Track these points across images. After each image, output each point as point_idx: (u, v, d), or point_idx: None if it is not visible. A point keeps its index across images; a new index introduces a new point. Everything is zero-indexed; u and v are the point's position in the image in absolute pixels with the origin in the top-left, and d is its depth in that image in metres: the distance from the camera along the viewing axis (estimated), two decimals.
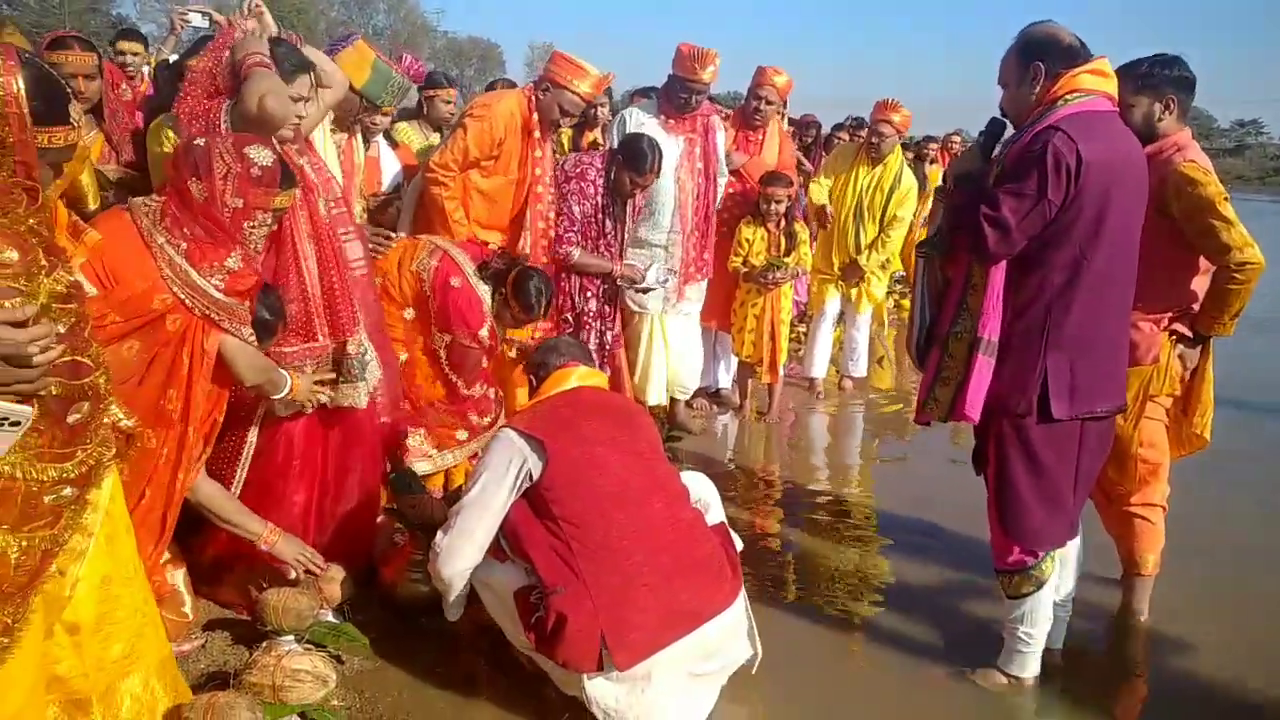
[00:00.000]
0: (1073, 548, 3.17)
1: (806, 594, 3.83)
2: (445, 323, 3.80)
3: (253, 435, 3.15)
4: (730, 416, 6.28)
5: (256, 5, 3.09)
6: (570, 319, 4.89)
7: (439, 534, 2.89)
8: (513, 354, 4.27)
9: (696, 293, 5.58)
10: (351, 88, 3.65)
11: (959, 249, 2.91)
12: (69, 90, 1.98)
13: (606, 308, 5.01)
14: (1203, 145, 3.42)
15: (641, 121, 5.20)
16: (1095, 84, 2.76)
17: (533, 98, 4.50)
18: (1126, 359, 3.02)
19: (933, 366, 2.95)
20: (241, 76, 2.86)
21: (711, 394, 6.46)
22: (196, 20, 3.98)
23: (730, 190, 5.80)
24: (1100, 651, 3.51)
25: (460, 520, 2.83)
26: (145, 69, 5.53)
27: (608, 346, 5.06)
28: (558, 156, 4.95)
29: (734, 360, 6.27)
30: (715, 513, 3.16)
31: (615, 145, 5.03)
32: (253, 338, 2.79)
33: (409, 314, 3.85)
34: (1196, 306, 3.34)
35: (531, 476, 2.77)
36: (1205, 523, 4.31)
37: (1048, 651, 3.14)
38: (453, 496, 3.77)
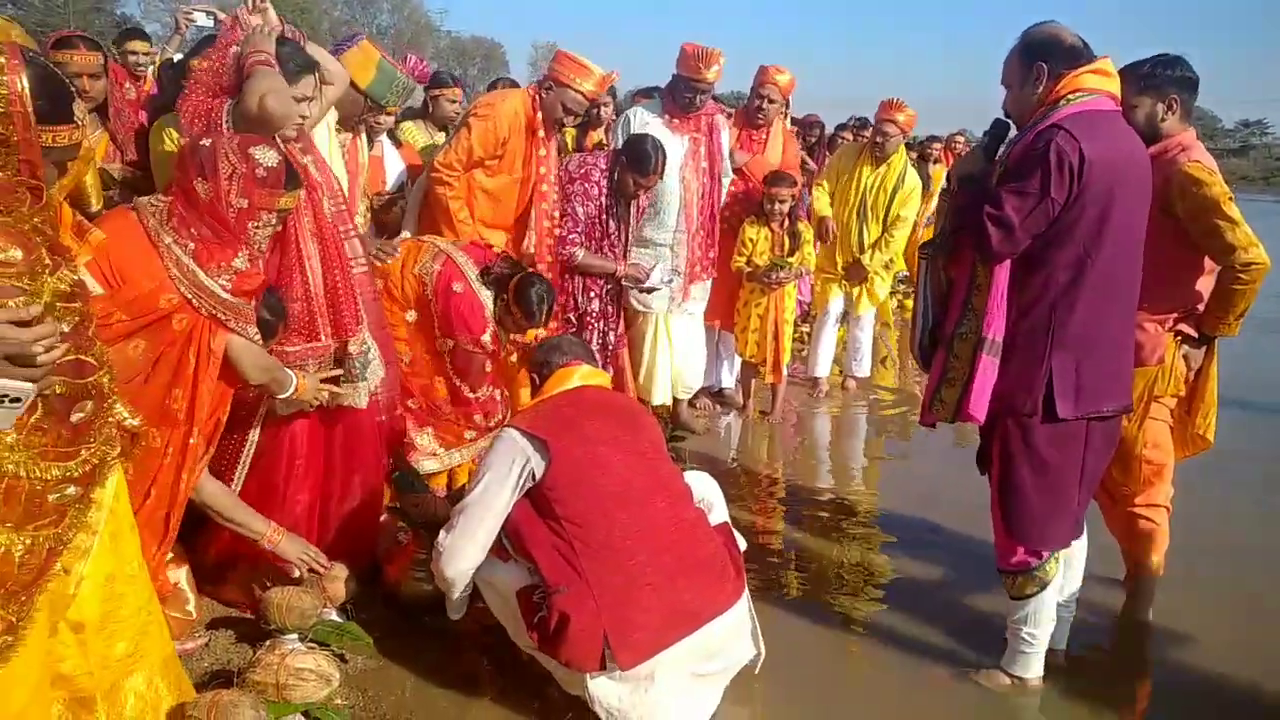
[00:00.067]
0: (1078, 548, 3.16)
1: (809, 594, 3.82)
2: (448, 328, 3.80)
3: (254, 435, 3.15)
4: (733, 416, 6.28)
5: (261, 1, 3.09)
6: (573, 319, 4.89)
7: (442, 533, 2.89)
8: (513, 359, 4.27)
9: (701, 292, 5.58)
10: (356, 88, 3.66)
11: (963, 249, 2.91)
12: (73, 89, 1.98)
13: (609, 308, 5.02)
14: (1207, 145, 3.42)
15: (646, 121, 5.20)
16: (1098, 84, 2.76)
17: (536, 97, 4.50)
18: (1132, 359, 3.02)
19: (938, 368, 2.95)
20: (245, 75, 2.86)
21: (714, 394, 6.46)
22: (201, 19, 3.99)
23: (734, 190, 5.81)
24: (1104, 652, 3.50)
25: (463, 520, 2.83)
26: (149, 68, 5.53)
27: (611, 347, 5.07)
28: (562, 156, 4.95)
29: (737, 360, 6.27)
30: (719, 513, 3.16)
31: (619, 146, 5.04)
32: (258, 337, 2.80)
33: (411, 316, 3.85)
34: (1201, 307, 3.34)
35: (534, 476, 2.77)
36: (1209, 523, 4.30)
37: (1051, 652, 3.13)
38: (456, 495, 3.78)
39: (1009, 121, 2.98)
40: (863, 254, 6.44)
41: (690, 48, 5.06)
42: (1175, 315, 3.35)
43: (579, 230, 4.78)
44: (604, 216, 4.83)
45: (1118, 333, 2.87)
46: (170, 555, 2.99)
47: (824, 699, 3.11)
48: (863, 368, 7.05)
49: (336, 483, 3.39)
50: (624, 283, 5.00)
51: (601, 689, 2.67)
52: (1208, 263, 3.29)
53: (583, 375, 3.06)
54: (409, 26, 53.15)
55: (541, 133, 4.52)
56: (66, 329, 1.88)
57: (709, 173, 5.37)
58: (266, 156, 2.69)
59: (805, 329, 7.46)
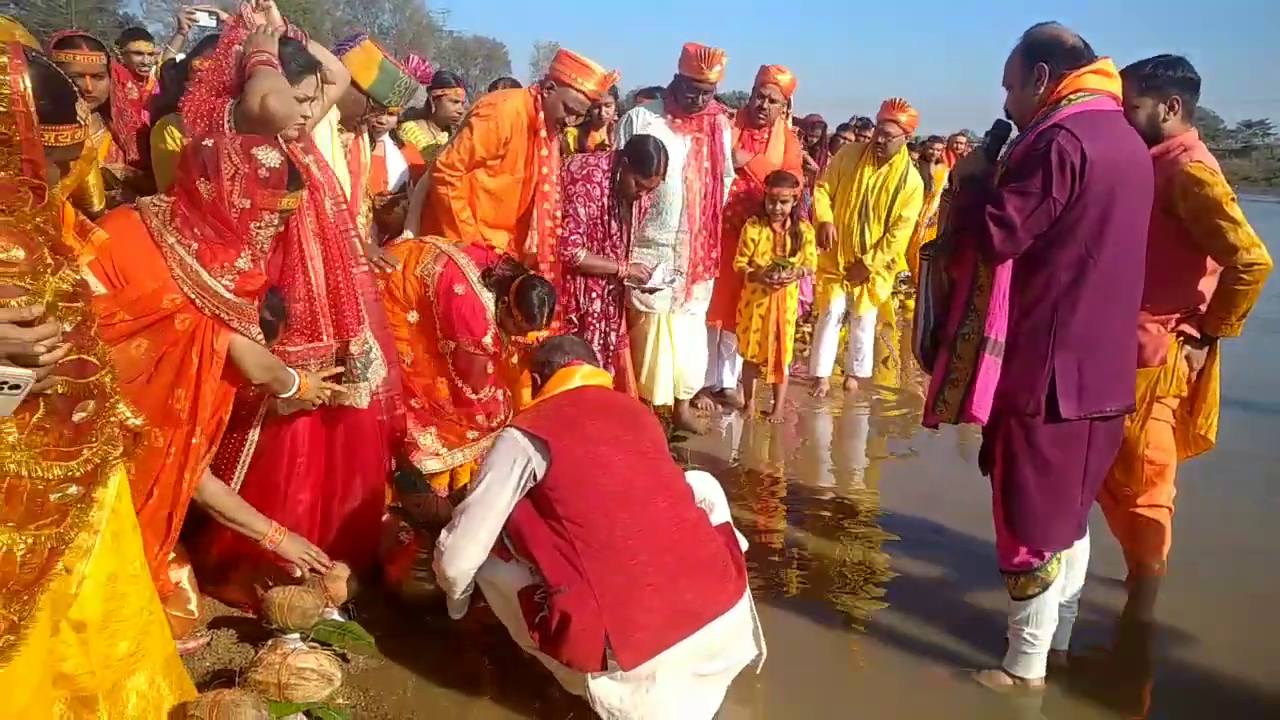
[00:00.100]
0: (1080, 549, 3.16)
1: (811, 594, 3.82)
2: (449, 329, 3.80)
3: (253, 435, 3.15)
4: (735, 416, 6.27)
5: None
6: (575, 320, 4.89)
7: (443, 533, 2.89)
8: (514, 360, 4.27)
9: (704, 292, 5.58)
10: (359, 88, 3.66)
11: (965, 250, 2.91)
12: (76, 89, 1.98)
13: (611, 309, 5.01)
14: (1209, 146, 3.42)
15: (648, 121, 5.20)
16: (1100, 84, 2.76)
17: (538, 97, 4.50)
18: (1135, 359, 3.02)
19: (941, 369, 2.95)
20: (246, 75, 2.86)
21: (716, 394, 6.46)
22: (204, 19, 3.99)
23: (735, 190, 5.81)
24: (1106, 653, 3.50)
25: (464, 520, 2.83)
26: (153, 68, 5.54)
27: (612, 347, 5.07)
28: (564, 157, 4.95)
29: (739, 360, 6.27)
30: (720, 512, 3.16)
31: (622, 146, 5.04)
32: (261, 337, 2.80)
33: (413, 317, 3.85)
34: (1204, 308, 3.34)
35: (536, 476, 2.77)
36: (1210, 523, 4.30)
37: (1053, 653, 3.13)
38: (457, 495, 3.78)
39: (1010, 122, 2.99)
40: (864, 254, 6.44)
41: (693, 48, 5.06)
42: (1177, 316, 3.35)
43: (580, 231, 4.78)
44: (606, 217, 4.83)
45: (1120, 333, 2.87)
46: (172, 555, 2.99)
47: (825, 699, 3.11)
48: (864, 368, 7.05)
49: (338, 482, 3.39)
50: (626, 283, 5.00)
51: (603, 689, 2.66)
52: (1210, 263, 3.29)
53: (584, 375, 3.06)
54: (411, 27, 53.13)
55: (543, 132, 4.51)
56: (69, 328, 1.88)
57: (711, 173, 5.37)
58: (269, 157, 2.69)
59: (807, 329, 7.46)
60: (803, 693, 3.11)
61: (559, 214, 4.70)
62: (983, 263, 2.82)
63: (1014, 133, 2.97)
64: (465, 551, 2.83)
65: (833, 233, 6.44)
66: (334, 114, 3.60)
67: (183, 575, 3.10)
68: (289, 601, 2.88)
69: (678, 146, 5.11)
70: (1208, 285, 3.33)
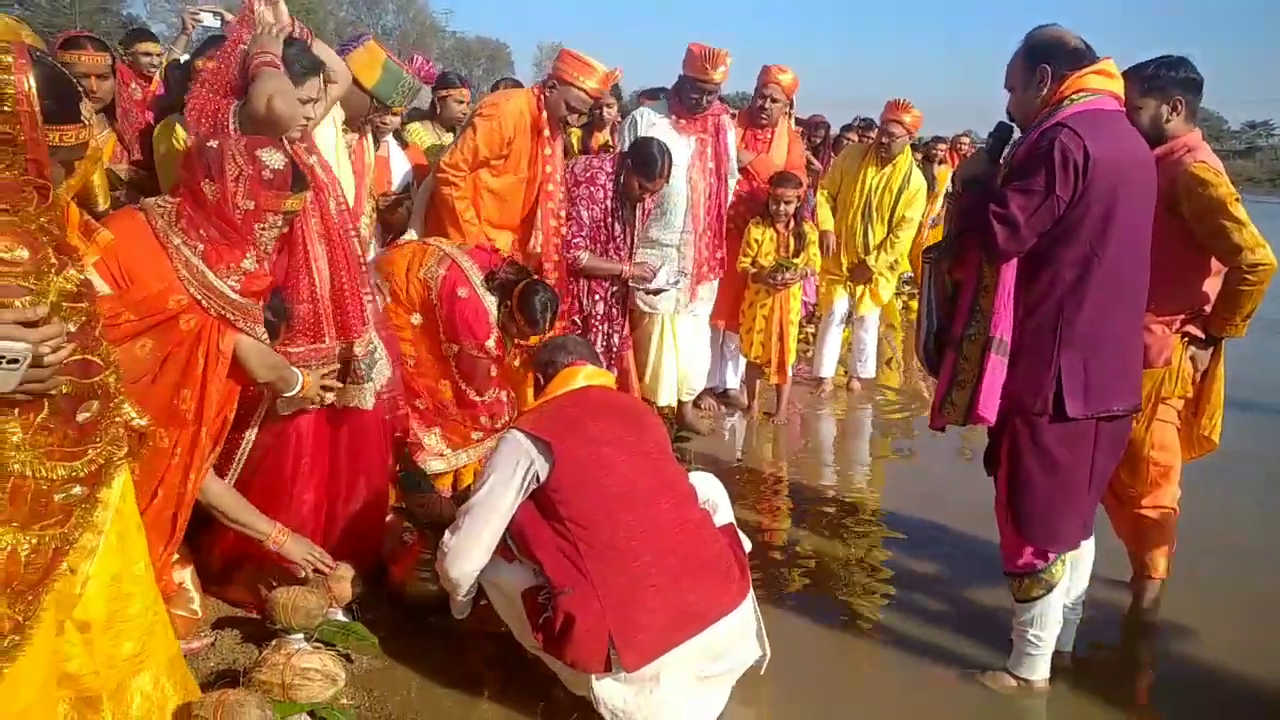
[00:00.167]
0: (1085, 550, 3.16)
1: (814, 595, 3.82)
2: (452, 333, 3.80)
3: (250, 435, 3.15)
4: (738, 417, 6.27)
5: None
6: (578, 322, 4.89)
7: (446, 534, 2.89)
8: (517, 364, 4.27)
9: (709, 292, 5.58)
10: (363, 88, 3.66)
11: (968, 252, 2.91)
12: (80, 89, 1.98)
13: (615, 311, 5.01)
14: (1213, 147, 3.42)
15: (653, 122, 5.20)
16: (1102, 84, 2.77)
17: (541, 96, 4.50)
18: (1140, 359, 3.01)
19: (948, 370, 2.94)
20: (250, 76, 2.86)
21: (719, 394, 6.46)
22: (208, 20, 3.99)
23: (738, 190, 5.80)
24: (1110, 654, 3.49)
25: (468, 522, 2.83)
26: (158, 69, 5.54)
27: (615, 349, 5.06)
28: (568, 158, 4.95)
29: (742, 360, 6.27)
30: (724, 513, 3.15)
31: (626, 147, 5.04)
32: (265, 336, 2.80)
33: (416, 319, 3.85)
34: (1208, 308, 3.33)
35: (539, 478, 2.77)
36: (1212, 523, 4.29)
37: (1057, 654, 3.13)
38: (461, 496, 3.77)
39: (1012, 125, 2.99)
40: (868, 255, 6.44)
41: (697, 49, 5.06)
42: (1182, 316, 3.34)
43: (583, 235, 4.78)
44: (609, 220, 4.83)
45: (1125, 332, 2.87)
46: (175, 555, 2.99)
47: (829, 700, 3.11)
48: (867, 369, 7.04)
49: (342, 483, 3.39)
50: (630, 283, 5.00)
51: (607, 690, 2.66)
52: (1214, 264, 3.29)
53: (587, 375, 3.06)
54: (414, 27, 53.15)
55: (546, 132, 4.52)
56: (73, 329, 1.88)
57: (716, 173, 5.36)
58: (273, 159, 2.69)
59: (810, 330, 7.46)
60: (806, 693, 3.11)
61: (563, 213, 4.69)
62: (987, 262, 2.82)
63: (1016, 135, 2.97)
64: (468, 553, 2.84)
65: (832, 243, 6.44)
66: (340, 114, 3.60)
67: (186, 575, 3.10)
68: (293, 602, 2.88)
69: (682, 147, 5.10)
70: (1212, 286, 3.33)
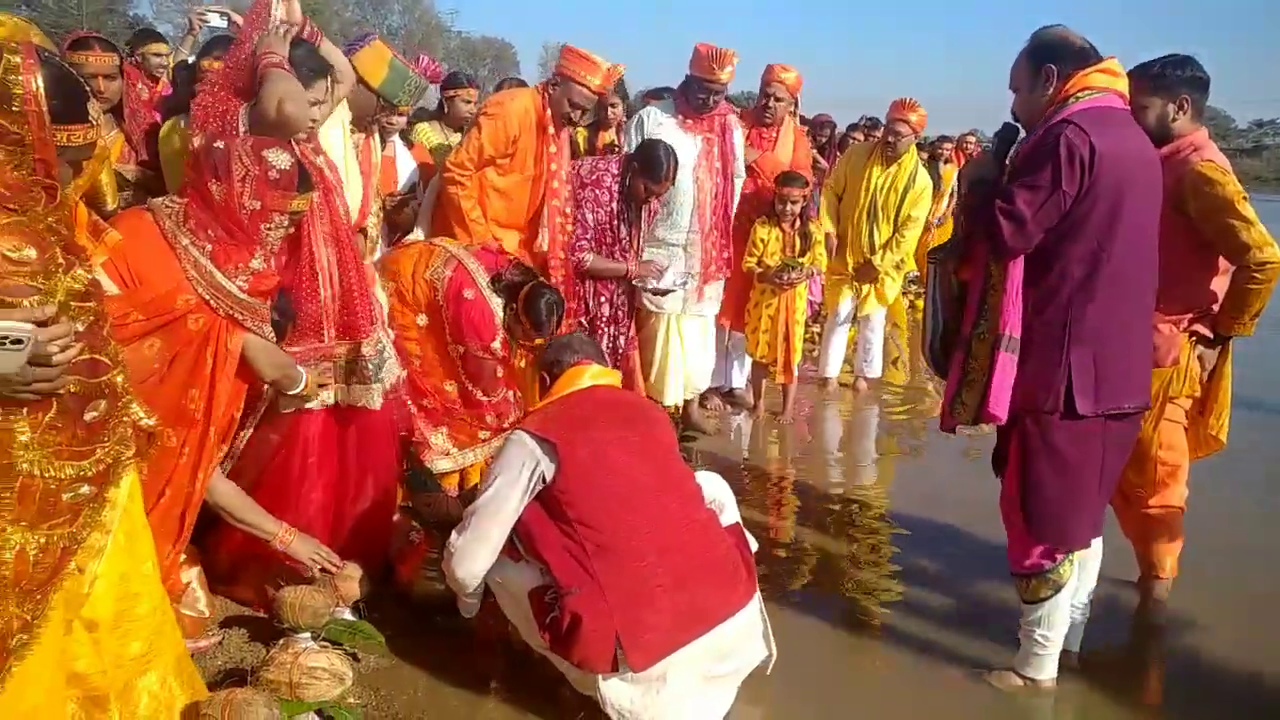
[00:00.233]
0: (1093, 550, 3.15)
1: (821, 594, 3.82)
2: (458, 334, 3.80)
3: (246, 435, 3.15)
4: (744, 417, 6.27)
5: None
6: (584, 323, 4.89)
7: (453, 535, 2.89)
8: (523, 364, 4.27)
9: (715, 292, 5.56)
10: (369, 87, 3.66)
11: (975, 252, 2.90)
12: (88, 89, 1.99)
13: (620, 312, 5.01)
14: (1220, 145, 3.41)
15: (660, 121, 5.19)
16: (1107, 83, 2.77)
17: (545, 94, 4.50)
18: (1149, 358, 3.00)
19: (957, 370, 2.93)
20: (258, 77, 2.87)
21: (725, 394, 6.46)
22: (215, 20, 3.99)
23: (744, 189, 5.79)
24: (1118, 654, 3.48)
25: (474, 522, 2.83)
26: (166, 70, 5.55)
27: (621, 351, 5.06)
28: (574, 159, 4.94)
29: (748, 360, 6.26)
30: (730, 513, 3.15)
31: (633, 146, 5.03)
32: (273, 335, 2.81)
33: (422, 320, 3.85)
34: (1216, 307, 3.32)
35: (545, 479, 2.77)
36: (1218, 523, 4.28)
37: (1064, 654, 3.12)
38: (468, 495, 3.78)
39: (1018, 125, 2.98)
40: (873, 254, 6.43)
41: (704, 48, 5.05)
42: (1190, 316, 3.34)
43: (589, 237, 4.78)
44: (615, 222, 4.83)
45: (1134, 330, 2.86)
46: (183, 555, 3.00)
47: (835, 699, 3.11)
48: (874, 368, 7.03)
49: (350, 483, 3.39)
50: (636, 282, 4.99)
51: (613, 690, 2.66)
52: (1222, 263, 3.28)
53: (593, 374, 3.05)
54: (420, 27, 53.22)
55: (551, 130, 4.52)
56: (81, 328, 1.89)
57: (722, 173, 5.35)
58: (279, 159, 2.70)
59: (816, 329, 7.45)
60: (813, 693, 3.10)
61: (569, 210, 4.69)
62: (994, 260, 2.82)
63: (1021, 135, 2.96)
64: (475, 553, 2.83)
65: (833, 244, 6.44)
66: (347, 114, 3.60)
67: (193, 575, 3.10)
68: (300, 601, 2.88)
69: (689, 147, 5.10)
70: (1220, 285, 3.32)
